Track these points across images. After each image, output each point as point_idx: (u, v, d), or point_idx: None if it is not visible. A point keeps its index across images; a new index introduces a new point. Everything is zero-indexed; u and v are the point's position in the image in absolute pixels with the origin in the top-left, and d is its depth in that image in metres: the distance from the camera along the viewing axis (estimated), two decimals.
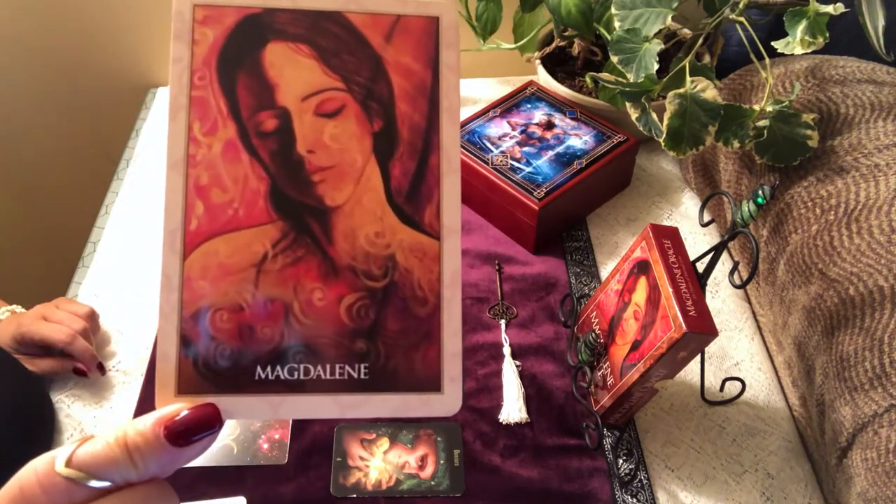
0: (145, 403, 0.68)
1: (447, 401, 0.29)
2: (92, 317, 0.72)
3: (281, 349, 0.28)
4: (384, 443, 0.66)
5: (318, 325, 0.29)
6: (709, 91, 0.68)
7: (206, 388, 0.28)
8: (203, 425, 0.25)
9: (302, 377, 0.28)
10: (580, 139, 0.85)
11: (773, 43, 0.68)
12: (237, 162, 0.29)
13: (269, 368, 0.28)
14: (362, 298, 0.29)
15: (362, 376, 0.29)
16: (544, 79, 0.94)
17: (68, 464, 0.23)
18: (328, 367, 0.29)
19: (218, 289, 0.28)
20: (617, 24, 0.73)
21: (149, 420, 0.25)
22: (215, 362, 0.28)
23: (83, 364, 0.68)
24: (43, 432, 0.65)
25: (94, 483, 0.23)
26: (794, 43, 0.66)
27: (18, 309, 0.73)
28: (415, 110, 0.30)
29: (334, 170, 0.29)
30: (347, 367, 0.29)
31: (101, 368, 0.70)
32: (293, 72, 0.29)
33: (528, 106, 0.90)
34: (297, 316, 0.29)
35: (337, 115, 0.30)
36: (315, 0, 0.30)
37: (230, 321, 0.28)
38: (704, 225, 0.63)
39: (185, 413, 0.25)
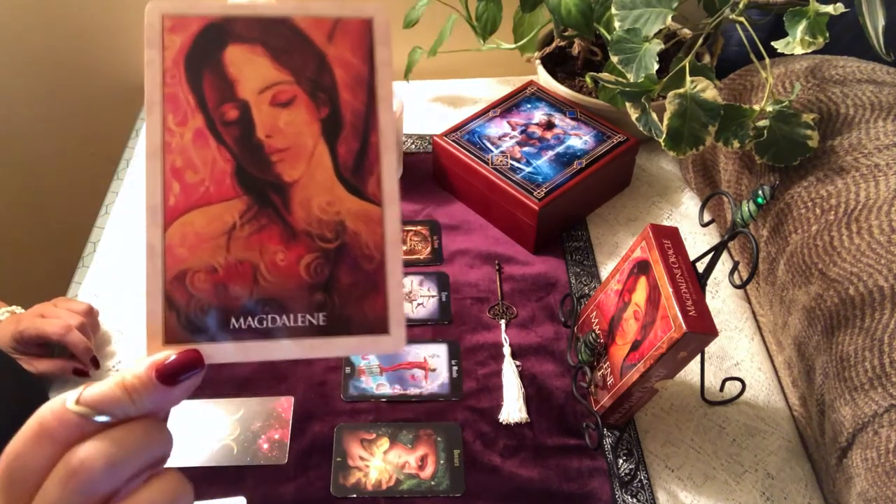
0: None
1: (393, 340, 0.34)
2: (90, 313, 0.72)
3: (251, 302, 0.33)
4: (384, 443, 0.66)
5: (281, 281, 0.34)
6: (709, 91, 0.68)
7: (188, 337, 0.32)
8: (188, 367, 0.30)
9: (269, 325, 0.33)
10: (580, 139, 0.85)
11: (773, 43, 0.68)
12: (206, 147, 0.34)
13: (241, 319, 0.33)
14: (318, 258, 0.34)
15: (321, 323, 0.34)
16: (544, 79, 0.94)
17: (77, 402, 0.28)
18: (292, 316, 0.33)
19: (195, 254, 0.33)
20: (617, 24, 0.73)
21: (142, 364, 0.29)
22: (195, 315, 0.33)
23: (78, 357, 0.68)
24: None
25: (100, 417, 0.28)
26: (794, 43, 0.66)
27: (18, 310, 0.73)
28: (355, 98, 0.35)
29: (289, 151, 0.34)
30: (308, 316, 0.34)
31: (95, 362, 0.70)
32: (250, 69, 0.34)
33: (528, 106, 0.90)
34: (264, 274, 0.34)
35: (289, 105, 0.35)
36: (266, 8, 0.35)
37: (206, 281, 0.33)
38: (704, 225, 0.63)
39: (172, 358, 0.30)
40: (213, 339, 0.32)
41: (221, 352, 0.32)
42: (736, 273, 0.60)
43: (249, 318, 0.33)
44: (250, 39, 0.34)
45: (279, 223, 0.34)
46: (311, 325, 0.33)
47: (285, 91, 0.35)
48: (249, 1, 0.35)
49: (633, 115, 0.74)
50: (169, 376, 0.29)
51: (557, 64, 0.97)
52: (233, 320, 0.33)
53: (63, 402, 0.28)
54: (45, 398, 0.65)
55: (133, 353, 0.73)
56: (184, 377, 0.30)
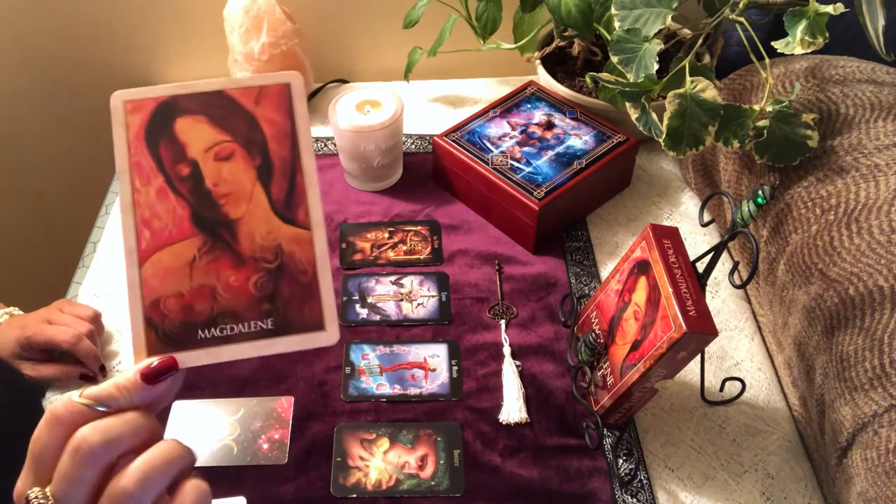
0: None
1: (329, 335, 0.42)
2: (96, 319, 0.73)
3: (213, 316, 0.41)
4: (384, 443, 0.66)
5: (235, 297, 0.42)
6: (709, 91, 0.68)
7: (165, 348, 0.40)
8: (165, 370, 0.39)
9: (229, 333, 0.41)
10: (580, 139, 0.85)
11: (773, 43, 0.68)
12: (167, 199, 0.42)
13: (206, 330, 0.41)
14: (263, 276, 0.42)
15: (270, 327, 0.42)
16: (544, 79, 0.94)
17: (82, 395, 0.36)
18: (246, 324, 0.42)
19: (165, 284, 0.41)
20: (617, 24, 0.73)
21: (132, 369, 0.39)
22: (170, 331, 0.41)
23: (87, 365, 0.69)
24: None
25: (100, 408, 0.36)
26: (794, 43, 0.66)
27: (16, 311, 0.73)
28: (282, 147, 0.44)
29: (233, 195, 0.43)
30: (259, 322, 0.42)
31: (103, 370, 0.70)
32: (196, 134, 0.43)
33: (528, 106, 0.90)
34: (221, 294, 0.42)
35: (229, 158, 0.43)
36: (204, 84, 0.44)
37: (176, 303, 0.41)
38: (704, 225, 0.63)
39: (154, 363, 0.39)
40: (186, 348, 0.41)
41: (192, 357, 0.40)
42: (736, 273, 0.60)
43: (213, 329, 0.41)
44: (194, 111, 0.43)
45: (230, 252, 0.42)
46: (262, 330, 0.42)
47: (225, 148, 0.43)
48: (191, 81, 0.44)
49: (633, 115, 0.74)
50: (151, 378, 0.38)
51: (557, 64, 0.97)
52: (199, 332, 0.41)
53: (70, 397, 0.36)
54: (40, 409, 0.64)
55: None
56: (163, 378, 0.39)
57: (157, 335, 0.41)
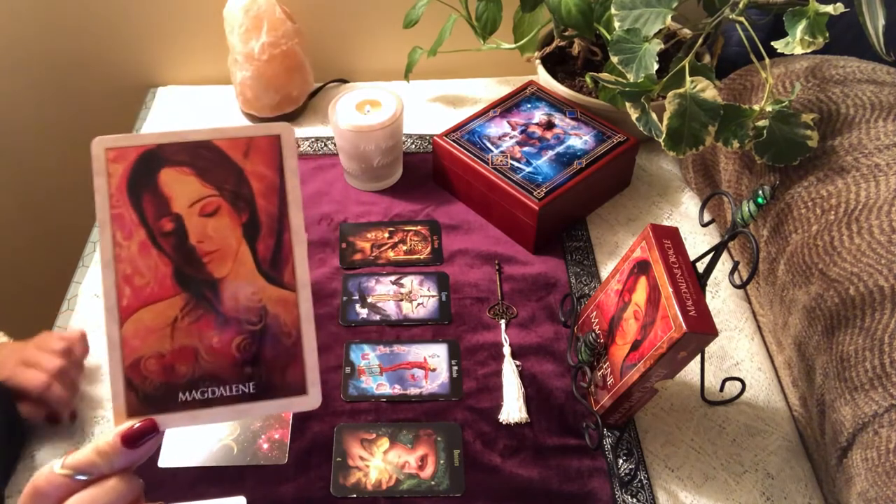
0: None
1: (311, 399, 0.41)
2: (69, 351, 0.67)
3: (194, 379, 0.40)
4: (384, 443, 0.66)
5: (217, 360, 0.41)
6: (709, 91, 0.68)
7: (145, 410, 0.40)
8: (145, 433, 0.38)
9: (210, 396, 0.40)
10: (580, 139, 0.85)
11: (773, 43, 0.68)
12: (149, 255, 0.40)
13: (187, 392, 0.40)
14: (246, 338, 0.41)
15: (251, 391, 0.41)
16: (544, 79, 0.94)
17: (63, 466, 0.36)
18: (227, 387, 0.41)
19: (146, 343, 0.40)
20: (617, 24, 0.73)
21: (111, 434, 0.38)
22: (150, 392, 0.40)
23: (57, 411, 0.65)
24: (8, 449, 0.64)
25: (80, 476, 0.36)
26: (794, 43, 0.66)
27: (2, 338, 0.69)
28: (270, 203, 0.42)
29: (217, 252, 0.41)
30: (241, 386, 0.41)
31: (73, 416, 0.67)
32: (181, 187, 0.41)
33: (528, 106, 0.90)
34: (203, 356, 0.41)
35: (215, 214, 0.41)
36: (191, 134, 0.42)
37: (157, 364, 0.40)
38: (704, 225, 0.63)
39: (135, 426, 0.38)
40: (166, 410, 0.40)
41: (173, 420, 0.40)
42: (736, 273, 0.60)
43: (194, 391, 0.40)
44: (180, 162, 0.41)
45: (213, 313, 0.41)
46: (244, 394, 0.41)
47: (211, 203, 0.41)
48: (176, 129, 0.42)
49: (633, 115, 0.74)
50: (132, 441, 0.38)
51: (557, 64, 0.97)
52: (180, 394, 0.40)
53: (51, 468, 0.36)
54: (17, 419, 0.63)
55: None
56: (143, 441, 0.38)
57: (136, 396, 0.40)
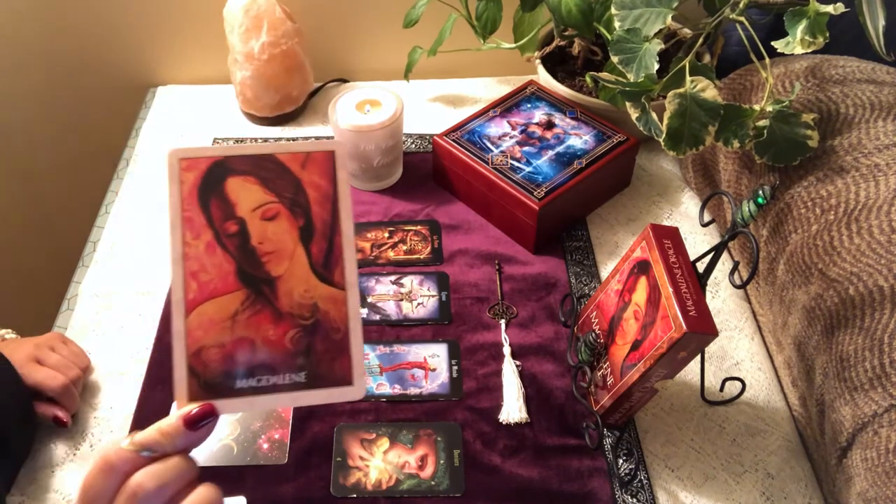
0: (145, 405, 0.68)
1: (356, 390, 0.45)
2: (87, 369, 0.70)
3: (250, 368, 0.44)
4: (384, 443, 0.66)
5: (272, 351, 0.44)
6: (709, 91, 0.68)
7: (205, 395, 0.43)
8: (205, 417, 0.42)
9: (264, 384, 0.44)
10: (580, 139, 0.85)
11: (773, 43, 0.68)
12: (214, 254, 0.44)
13: (244, 380, 0.43)
14: (299, 332, 0.44)
15: (303, 380, 0.44)
16: (544, 78, 0.94)
17: (130, 443, 0.40)
18: (280, 376, 0.44)
19: (208, 334, 0.43)
20: (617, 23, 0.73)
21: (174, 416, 0.41)
22: (210, 379, 0.43)
23: (66, 410, 0.66)
24: (20, 438, 0.64)
25: (145, 453, 0.40)
26: (794, 43, 0.66)
27: (9, 335, 0.70)
28: (323, 210, 0.46)
29: (275, 253, 0.45)
30: (293, 375, 0.44)
31: (72, 418, 0.68)
32: (245, 194, 0.45)
33: (528, 105, 0.90)
34: (259, 346, 0.44)
35: (275, 219, 0.45)
36: (256, 147, 0.46)
37: (217, 353, 0.43)
38: (704, 225, 0.63)
39: (194, 411, 0.41)
40: (224, 396, 0.43)
41: (230, 405, 0.43)
42: (736, 273, 0.60)
43: (250, 379, 0.43)
44: (244, 172, 0.45)
45: (270, 308, 0.44)
46: (296, 382, 0.44)
47: (272, 209, 0.45)
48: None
49: (633, 114, 0.74)
50: (192, 423, 0.41)
51: (557, 63, 0.97)
52: (237, 381, 0.43)
53: (120, 443, 0.40)
54: (32, 412, 0.63)
55: (133, 353, 0.73)
56: (202, 424, 0.41)
57: (198, 383, 0.43)
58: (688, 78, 0.69)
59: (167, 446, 0.40)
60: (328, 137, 0.97)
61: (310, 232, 0.46)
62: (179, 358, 0.43)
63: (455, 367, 0.71)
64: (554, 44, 0.94)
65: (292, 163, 0.46)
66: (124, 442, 0.40)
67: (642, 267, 0.62)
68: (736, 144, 0.70)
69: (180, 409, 0.42)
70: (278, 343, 0.44)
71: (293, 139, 0.97)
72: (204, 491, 0.41)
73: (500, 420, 0.67)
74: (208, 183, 0.45)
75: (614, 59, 0.72)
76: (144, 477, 0.39)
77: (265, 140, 0.97)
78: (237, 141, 0.96)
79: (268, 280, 0.45)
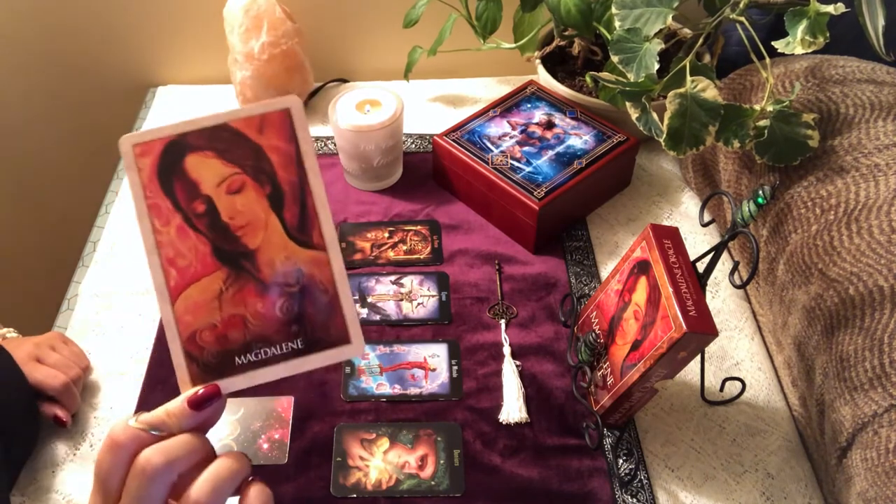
0: (145, 405, 0.68)
1: (355, 348, 0.44)
2: (87, 369, 0.71)
3: (246, 343, 0.43)
4: (384, 443, 0.66)
5: (264, 323, 0.44)
6: (709, 91, 0.68)
7: (207, 377, 0.43)
8: (209, 397, 0.42)
9: (263, 357, 0.43)
10: (580, 139, 0.85)
11: (773, 43, 0.68)
12: (187, 237, 0.43)
13: (242, 356, 0.43)
14: (287, 300, 0.44)
15: (300, 346, 0.44)
16: (544, 78, 0.94)
17: (137, 421, 0.40)
18: (277, 346, 0.44)
19: (198, 318, 0.43)
20: (617, 23, 0.73)
21: (180, 398, 0.42)
22: (208, 361, 0.43)
23: (66, 409, 0.66)
24: (24, 437, 0.64)
25: (153, 431, 0.40)
26: (795, 43, 0.66)
27: (10, 334, 0.70)
28: (289, 173, 0.44)
29: (248, 226, 0.44)
30: (289, 343, 0.44)
31: (72, 418, 0.68)
32: (206, 170, 0.44)
33: (528, 105, 0.90)
34: (250, 321, 0.44)
35: (241, 191, 0.44)
36: (207, 119, 0.44)
37: (210, 335, 0.43)
38: (704, 225, 0.63)
39: (199, 391, 0.42)
40: (226, 375, 0.43)
41: (233, 383, 0.43)
42: (736, 273, 0.60)
43: (248, 355, 0.43)
44: (201, 147, 0.44)
45: (253, 281, 0.44)
46: (293, 350, 0.44)
47: (236, 181, 0.44)
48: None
49: (634, 114, 0.74)
50: (197, 405, 0.41)
51: (557, 63, 0.97)
52: (236, 358, 0.43)
53: (126, 421, 0.40)
54: (35, 410, 0.63)
55: (133, 353, 0.73)
56: (207, 405, 0.42)
57: (197, 366, 0.43)
58: (688, 78, 0.69)
59: (174, 427, 0.41)
60: (329, 139, 0.97)
61: (279, 198, 0.44)
62: (175, 345, 0.43)
63: (455, 367, 0.71)
64: (554, 44, 0.94)
65: (248, 129, 0.44)
66: (131, 420, 0.40)
67: (642, 267, 0.62)
68: (736, 144, 0.70)
69: (185, 392, 0.42)
70: (269, 315, 0.44)
71: None
72: (224, 462, 0.41)
73: (500, 420, 0.67)
74: (166, 165, 0.44)
75: (614, 58, 0.72)
76: (152, 452, 0.39)
77: None
78: None
79: (246, 254, 0.44)
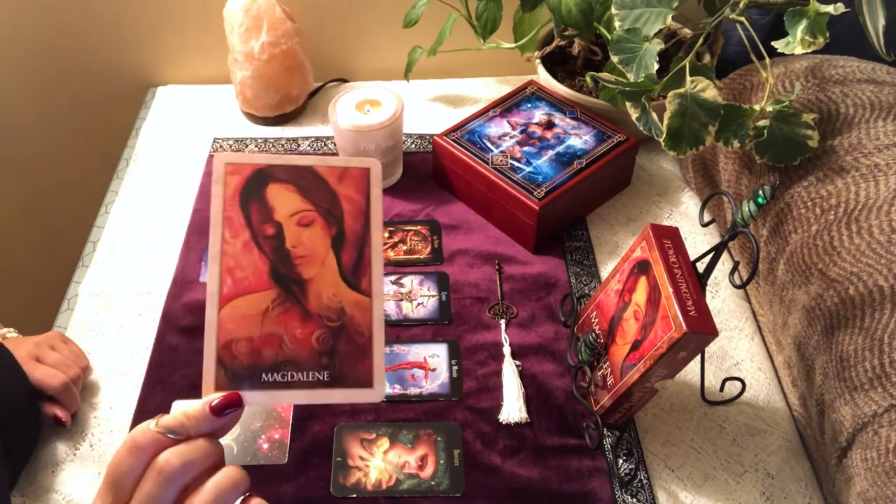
0: (145, 405, 0.68)
1: (376, 392, 0.47)
2: (86, 368, 0.70)
3: (277, 363, 0.46)
4: (384, 443, 0.66)
5: (298, 348, 0.46)
6: (709, 91, 0.68)
7: (232, 386, 0.45)
8: (230, 405, 0.44)
9: (289, 379, 0.46)
10: (580, 139, 0.85)
11: (773, 43, 0.68)
12: (250, 253, 0.47)
13: (269, 374, 0.46)
14: (325, 333, 0.47)
15: (325, 379, 0.46)
16: (544, 78, 0.94)
17: (157, 425, 0.41)
18: (305, 373, 0.46)
19: (239, 328, 0.46)
20: (617, 23, 0.73)
21: (200, 401, 0.44)
22: (237, 371, 0.45)
23: (66, 408, 0.66)
24: (25, 436, 0.64)
25: (171, 435, 0.41)
26: (795, 43, 0.66)
27: (10, 334, 0.70)
28: (356, 223, 0.49)
29: (308, 257, 0.48)
30: (316, 373, 0.46)
31: (72, 417, 0.67)
32: (284, 200, 0.48)
33: (529, 105, 0.90)
34: (286, 343, 0.46)
35: (310, 226, 0.48)
36: (297, 159, 0.49)
37: (246, 347, 0.46)
38: (704, 225, 0.63)
39: (220, 398, 0.44)
40: (250, 388, 0.45)
41: (255, 397, 0.45)
42: (736, 273, 0.60)
43: (275, 374, 0.46)
44: (285, 180, 0.48)
45: (299, 308, 0.47)
46: (319, 380, 0.46)
47: (308, 216, 0.48)
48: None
49: (634, 114, 0.74)
50: (217, 410, 0.43)
51: (557, 63, 0.97)
52: (264, 375, 0.46)
53: (148, 425, 0.42)
54: (37, 409, 0.63)
55: (133, 353, 0.73)
56: (227, 412, 0.44)
57: (225, 373, 0.45)
58: (688, 78, 0.69)
59: (192, 430, 0.42)
60: (328, 139, 0.97)
61: (341, 241, 0.48)
62: (210, 348, 0.45)
63: (455, 367, 0.71)
64: (554, 44, 0.94)
65: (330, 176, 0.49)
66: (151, 424, 0.42)
67: (642, 267, 0.62)
68: (736, 144, 0.70)
69: (207, 396, 0.44)
70: (305, 341, 0.46)
71: (293, 139, 0.97)
72: (228, 473, 0.42)
73: (500, 420, 0.67)
74: (250, 187, 0.48)
75: (614, 59, 0.72)
76: (171, 455, 0.41)
77: (265, 140, 0.97)
78: (237, 141, 0.96)
79: (299, 281, 0.47)
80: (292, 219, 0.48)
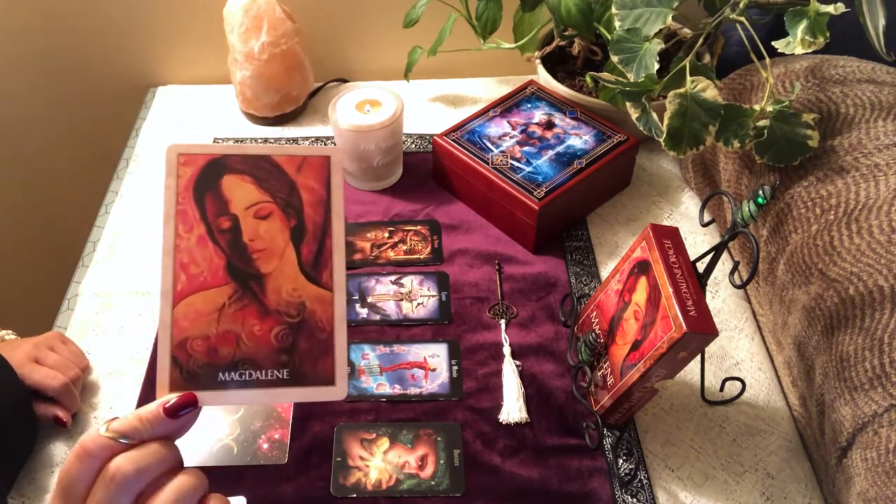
0: (145, 405, 0.68)
1: (338, 390, 0.45)
2: (85, 369, 0.70)
3: (234, 361, 0.44)
4: (384, 443, 0.66)
5: (257, 346, 0.45)
6: (709, 91, 0.68)
7: (187, 386, 0.44)
8: (185, 405, 0.42)
9: (247, 378, 0.44)
10: (580, 139, 0.85)
11: (773, 43, 0.68)
12: (206, 248, 0.45)
13: (226, 373, 0.44)
14: (284, 329, 0.45)
15: (285, 377, 0.45)
16: (544, 78, 0.94)
17: (108, 430, 0.40)
18: (263, 371, 0.45)
19: (194, 326, 0.44)
20: (617, 23, 0.73)
21: (154, 403, 0.42)
22: (193, 370, 0.44)
23: (66, 409, 0.65)
24: (21, 438, 0.64)
25: (123, 440, 0.40)
26: (795, 43, 0.66)
27: (8, 336, 0.70)
28: (316, 213, 0.47)
29: (266, 251, 0.46)
30: (275, 371, 0.45)
31: (72, 417, 0.67)
32: (240, 192, 0.46)
33: (529, 105, 0.90)
34: (244, 341, 0.45)
35: (267, 218, 0.47)
36: (253, 148, 0.47)
37: (202, 345, 0.44)
38: (705, 225, 0.63)
39: (175, 398, 0.42)
40: (206, 388, 0.44)
41: (212, 397, 0.44)
42: (736, 273, 0.60)
43: (233, 373, 0.44)
44: (241, 171, 0.47)
45: (257, 303, 0.45)
46: (278, 379, 0.45)
47: (265, 208, 0.47)
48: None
49: (634, 114, 0.74)
50: (172, 412, 0.42)
51: (557, 63, 0.97)
52: (220, 374, 0.44)
53: (97, 431, 0.40)
54: (31, 413, 0.63)
55: (133, 353, 0.73)
56: (182, 413, 0.42)
57: (180, 372, 0.44)
58: (688, 78, 0.69)
59: (145, 433, 0.41)
60: (328, 139, 0.97)
61: (301, 233, 0.47)
62: (164, 347, 0.44)
63: (455, 367, 0.71)
64: (554, 44, 0.94)
65: (288, 165, 0.47)
66: (101, 429, 0.40)
67: (642, 267, 0.62)
68: (736, 144, 0.70)
69: (161, 397, 0.43)
70: (263, 339, 0.45)
71: (293, 139, 0.97)
72: (186, 478, 0.40)
73: (500, 420, 0.67)
74: (204, 179, 0.46)
75: (614, 58, 0.72)
76: (123, 461, 0.39)
77: (265, 140, 0.97)
78: (237, 141, 0.96)
79: (256, 276, 0.46)
80: (249, 211, 0.46)
